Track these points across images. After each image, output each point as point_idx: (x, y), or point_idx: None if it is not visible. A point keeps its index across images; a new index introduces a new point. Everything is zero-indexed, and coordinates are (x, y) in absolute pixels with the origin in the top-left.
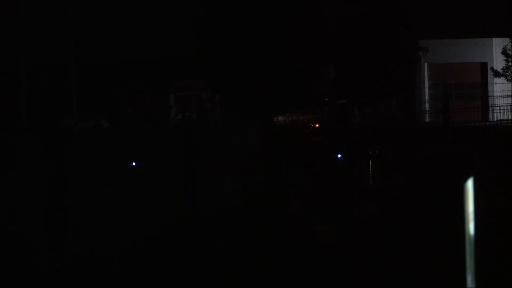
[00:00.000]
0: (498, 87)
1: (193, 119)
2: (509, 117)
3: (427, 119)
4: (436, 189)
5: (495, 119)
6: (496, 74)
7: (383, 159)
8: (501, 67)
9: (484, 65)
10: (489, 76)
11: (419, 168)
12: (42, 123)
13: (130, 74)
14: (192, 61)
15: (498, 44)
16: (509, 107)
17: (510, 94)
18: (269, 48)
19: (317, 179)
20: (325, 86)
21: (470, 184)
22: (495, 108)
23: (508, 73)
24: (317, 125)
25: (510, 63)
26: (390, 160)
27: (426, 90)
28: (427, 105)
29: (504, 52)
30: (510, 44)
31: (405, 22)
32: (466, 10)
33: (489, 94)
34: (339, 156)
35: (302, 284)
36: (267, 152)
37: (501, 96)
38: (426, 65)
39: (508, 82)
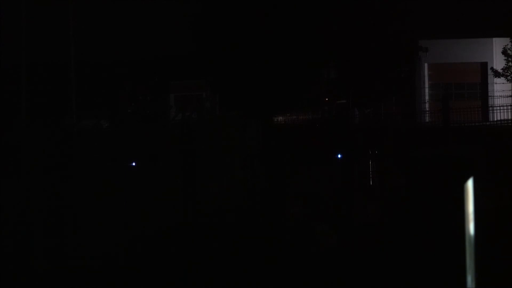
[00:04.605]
0: (498, 87)
1: (193, 119)
2: (509, 117)
3: (427, 119)
4: (436, 189)
5: (495, 119)
6: (496, 74)
7: (383, 159)
8: (501, 67)
9: (484, 65)
10: (489, 76)
11: (419, 168)
12: (42, 122)
13: (130, 74)
14: (192, 61)
15: (498, 44)
16: (509, 107)
17: (510, 94)
18: (269, 48)
19: (317, 179)
20: (325, 86)
21: (470, 184)
22: (495, 108)
23: (508, 73)
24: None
25: (510, 63)
26: (390, 160)
27: (426, 90)
28: (427, 105)
29: (504, 52)
30: (510, 44)
31: (405, 22)
32: (466, 10)
33: (489, 94)
34: (339, 156)
35: (302, 284)
36: (267, 152)
37: (501, 96)
38: (426, 65)
39: (508, 82)
